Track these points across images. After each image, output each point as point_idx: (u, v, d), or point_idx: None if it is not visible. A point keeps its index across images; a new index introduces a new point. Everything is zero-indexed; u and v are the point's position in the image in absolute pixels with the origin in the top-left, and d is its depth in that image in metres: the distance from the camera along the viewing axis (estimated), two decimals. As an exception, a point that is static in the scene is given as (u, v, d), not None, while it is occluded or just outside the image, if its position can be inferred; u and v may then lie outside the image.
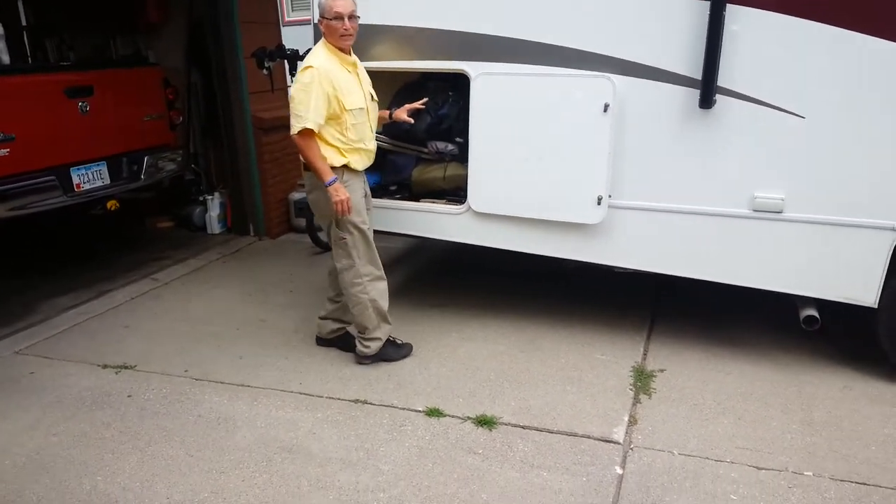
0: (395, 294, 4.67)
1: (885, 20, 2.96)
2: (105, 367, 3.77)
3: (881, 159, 3.10)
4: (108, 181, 5.09)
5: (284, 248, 5.93)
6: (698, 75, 3.24)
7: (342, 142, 3.36)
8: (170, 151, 5.65)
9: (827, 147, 3.17)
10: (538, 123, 3.60)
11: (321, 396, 3.39)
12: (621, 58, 3.40)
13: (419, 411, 3.22)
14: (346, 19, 3.24)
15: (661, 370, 3.55)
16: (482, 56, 3.66)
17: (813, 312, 3.44)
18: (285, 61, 5.20)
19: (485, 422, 3.11)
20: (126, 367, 3.76)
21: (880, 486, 2.65)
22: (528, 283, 4.66)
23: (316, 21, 3.43)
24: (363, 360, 3.68)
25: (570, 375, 3.51)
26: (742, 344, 3.78)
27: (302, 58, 4.68)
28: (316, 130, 3.25)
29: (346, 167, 3.40)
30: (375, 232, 4.04)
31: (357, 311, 3.60)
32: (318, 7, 3.34)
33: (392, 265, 5.25)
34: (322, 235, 5.34)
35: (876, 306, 3.27)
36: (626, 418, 3.12)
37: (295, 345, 3.96)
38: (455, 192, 4.03)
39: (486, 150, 3.75)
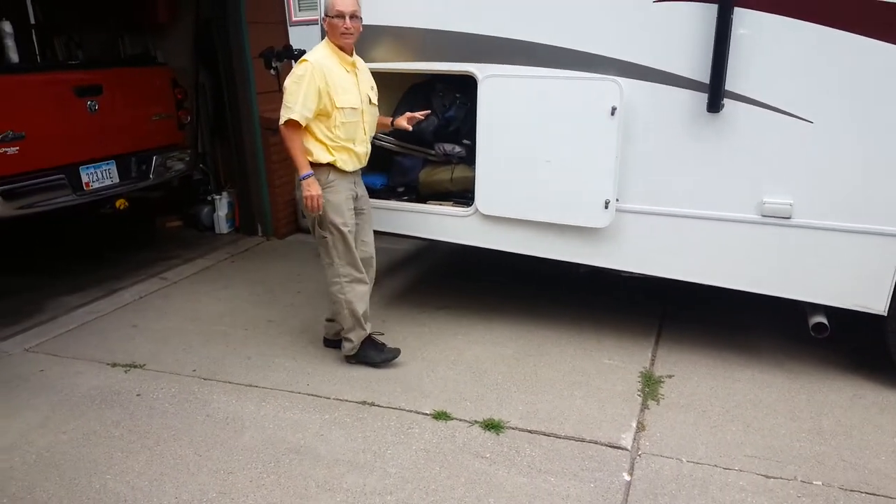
0: (402, 296, 4.70)
1: (898, 26, 2.96)
2: (114, 365, 3.79)
3: (891, 165, 3.08)
4: (117, 180, 5.11)
5: (292, 249, 5.94)
6: (706, 79, 3.23)
7: (330, 139, 3.37)
8: (178, 151, 5.67)
9: (836, 153, 3.15)
10: (546, 126, 3.60)
11: (329, 398, 3.39)
12: (629, 61, 3.39)
13: (427, 414, 3.23)
14: (347, 18, 3.27)
15: (670, 376, 3.54)
16: (490, 58, 3.65)
17: (822, 320, 3.42)
18: (292, 61, 5.20)
19: (492, 426, 3.11)
20: (135, 366, 3.77)
21: (891, 497, 2.64)
22: (536, 287, 4.66)
23: (320, 19, 3.45)
24: (348, 359, 3.71)
25: (577, 380, 3.51)
26: (751, 351, 3.77)
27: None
28: (302, 123, 3.28)
29: (331, 166, 3.40)
30: (381, 233, 4.06)
31: (334, 309, 3.64)
32: (323, 5, 3.37)
33: (399, 267, 5.27)
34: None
35: (885, 314, 3.26)
36: (634, 424, 3.11)
37: (303, 346, 3.96)
38: (462, 195, 4.04)
39: (494, 152, 3.75)
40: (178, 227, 6.56)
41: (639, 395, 3.36)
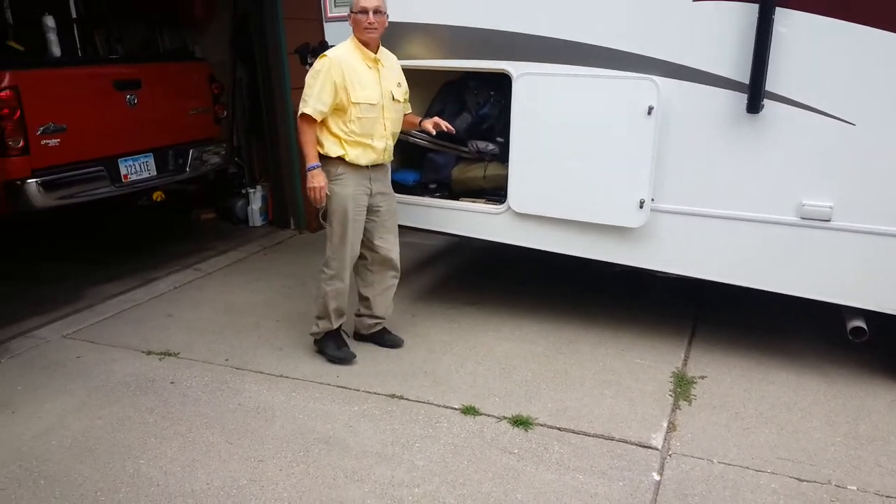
0: (433, 290, 4.72)
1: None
2: (149, 353, 3.86)
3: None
4: (154, 173, 5.21)
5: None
6: (746, 79, 3.18)
7: (345, 133, 3.39)
8: (214, 145, 5.77)
9: (878, 155, 3.08)
10: (580, 125, 3.57)
11: (358, 390, 3.42)
12: (667, 60, 3.35)
13: (455, 409, 3.23)
14: (370, 13, 3.29)
15: (702, 377, 3.49)
16: (525, 56, 3.64)
17: (860, 324, 3.35)
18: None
19: (521, 422, 3.10)
20: (169, 355, 3.84)
21: (929, 504, 2.58)
22: (568, 285, 4.63)
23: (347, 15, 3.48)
24: (314, 340, 3.78)
25: (607, 379, 3.48)
26: (786, 353, 3.70)
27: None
28: (314, 117, 3.33)
29: (341, 160, 3.42)
30: (412, 229, 4.08)
31: (316, 294, 3.70)
32: (350, 1, 3.41)
33: (429, 263, 5.28)
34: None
35: (926, 319, 3.19)
36: (665, 424, 3.08)
37: (333, 338, 3.99)
38: (495, 192, 4.03)
39: (527, 150, 3.73)
40: (213, 220, 6.67)
41: (670, 396, 3.32)
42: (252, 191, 6.41)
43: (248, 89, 6.49)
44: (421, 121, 3.73)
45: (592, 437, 3.00)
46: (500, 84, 3.89)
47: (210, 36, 6.51)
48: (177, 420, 3.19)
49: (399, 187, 4.20)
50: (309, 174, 3.39)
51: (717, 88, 3.29)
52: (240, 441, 3.02)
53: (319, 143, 3.41)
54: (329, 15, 6.69)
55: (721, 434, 3.01)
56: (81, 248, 5.93)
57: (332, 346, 3.72)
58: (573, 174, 3.63)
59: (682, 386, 3.40)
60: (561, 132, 3.63)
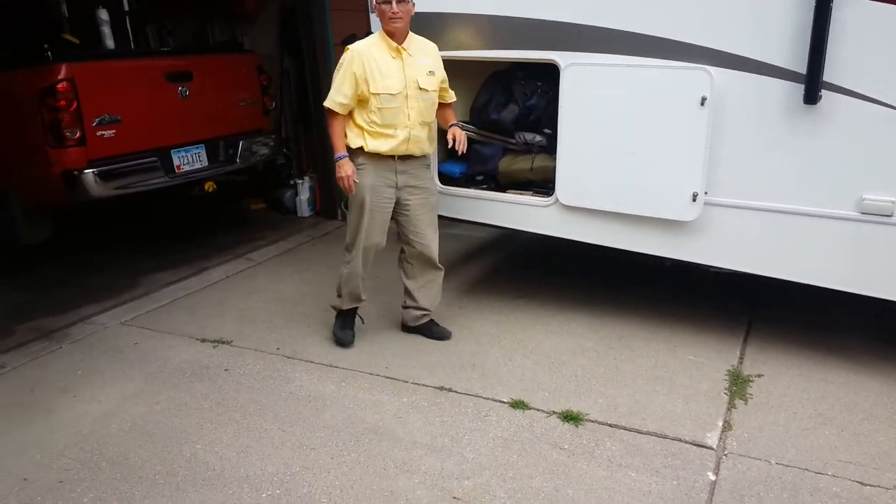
0: (480, 283, 4.71)
1: None
2: (203, 340, 3.95)
3: None
4: (206, 164, 5.31)
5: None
6: (803, 69, 3.07)
7: (367, 123, 3.42)
8: (263, 136, 5.85)
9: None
10: (630, 116, 3.50)
11: (406, 381, 3.44)
12: (720, 49, 3.26)
13: (504, 402, 3.22)
14: (393, 3, 3.29)
15: (759, 375, 3.41)
16: (573, 46, 3.58)
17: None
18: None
19: (571, 417, 3.08)
20: (222, 342, 3.92)
21: None
22: (618, 279, 4.57)
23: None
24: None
25: (660, 376, 3.43)
26: (845, 353, 3.59)
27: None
28: (336, 110, 3.40)
29: (362, 150, 3.45)
30: (459, 220, 4.05)
31: (336, 273, 3.81)
32: None
33: (476, 255, 5.27)
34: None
35: None
36: (721, 423, 3.02)
37: (380, 329, 4.02)
38: (543, 184, 3.99)
39: (576, 142, 3.67)
40: (263, 210, 6.77)
41: (725, 394, 3.25)
42: (300, 181, 6.48)
43: (296, 81, 6.55)
44: (451, 125, 3.65)
45: (645, 434, 2.96)
46: (548, 74, 3.84)
47: (259, 28, 6.59)
48: (231, 406, 3.26)
49: (445, 179, 4.20)
50: (336, 164, 3.45)
51: (773, 78, 3.19)
52: (292, 429, 3.07)
53: (345, 135, 3.46)
54: (375, 5, 6.65)
55: (779, 434, 2.94)
56: (135, 238, 6.09)
57: (337, 325, 3.88)
58: (623, 166, 3.57)
59: (738, 384, 3.32)
60: (610, 123, 3.57)
